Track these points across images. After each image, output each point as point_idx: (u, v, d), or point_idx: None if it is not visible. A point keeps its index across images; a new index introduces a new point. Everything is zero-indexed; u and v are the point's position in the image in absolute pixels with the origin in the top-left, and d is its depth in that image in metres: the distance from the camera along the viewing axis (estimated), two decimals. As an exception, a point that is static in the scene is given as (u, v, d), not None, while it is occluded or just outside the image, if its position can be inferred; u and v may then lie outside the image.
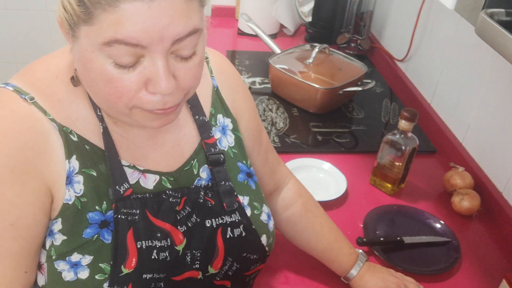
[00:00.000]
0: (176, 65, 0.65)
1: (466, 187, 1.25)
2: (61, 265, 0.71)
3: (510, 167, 1.20)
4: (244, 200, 0.85)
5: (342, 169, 1.31)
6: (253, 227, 0.84)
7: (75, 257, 0.71)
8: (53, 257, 0.71)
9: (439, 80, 1.53)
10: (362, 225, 1.16)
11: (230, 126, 0.87)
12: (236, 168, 0.86)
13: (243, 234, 0.83)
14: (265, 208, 0.88)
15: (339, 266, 0.98)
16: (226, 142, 0.86)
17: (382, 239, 1.11)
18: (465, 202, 1.21)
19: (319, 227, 0.99)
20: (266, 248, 0.87)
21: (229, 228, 0.81)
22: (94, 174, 0.73)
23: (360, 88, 1.56)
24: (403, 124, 1.19)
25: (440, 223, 1.18)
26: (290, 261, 1.05)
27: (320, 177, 1.30)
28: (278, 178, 1.00)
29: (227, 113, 0.87)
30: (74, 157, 0.71)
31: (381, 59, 1.91)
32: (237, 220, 0.82)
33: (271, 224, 0.89)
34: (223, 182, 0.82)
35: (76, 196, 0.71)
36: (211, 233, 0.80)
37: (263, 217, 0.87)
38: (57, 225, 0.71)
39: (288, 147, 1.40)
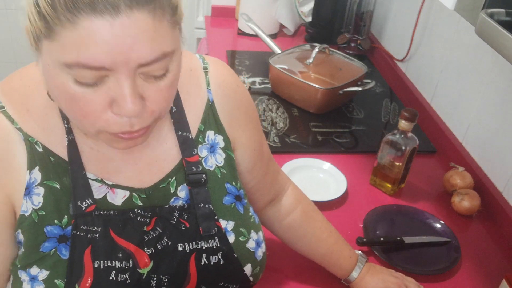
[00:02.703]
0: (145, 85, 0.60)
1: (466, 187, 1.25)
2: (23, 275, 0.70)
3: (510, 167, 1.20)
4: (228, 225, 0.78)
5: (342, 169, 1.31)
6: (235, 255, 0.78)
7: (34, 270, 0.69)
8: (18, 266, 0.70)
9: (439, 80, 1.53)
10: (362, 225, 1.16)
11: (222, 144, 0.81)
12: (223, 189, 0.80)
13: (221, 262, 0.77)
14: (254, 235, 0.82)
15: (339, 269, 0.98)
16: (213, 161, 0.80)
17: (382, 239, 1.11)
18: (465, 202, 1.21)
19: (319, 232, 0.98)
20: (251, 278, 0.82)
21: (204, 254, 0.76)
22: (57, 186, 0.70)
23: (360, 88, 1.56)
24: (403, 124, 1.19)
25: (440, 223, 1.18)
26: (290, 263, 1.05)
27: (320, 177, 1.30)
28: (278, 186, 0.98)
29: (220, 130, 0.81)
30: (36, 168, 0.69)
31: (381, 59, 1.91)
32: (214, 247, 0.76)
33: (259, 253, 0.82)
34: (202, 205, 0.77)
35: (33, 209, 0.69)
36: (183, 258, 0.75)
37: (250, 244, 0.81)
38: (20, 236, 0.70)
39: (288, 147, 1.40)
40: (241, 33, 2.03)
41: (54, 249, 0.70)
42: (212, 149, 0.80)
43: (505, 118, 1.22)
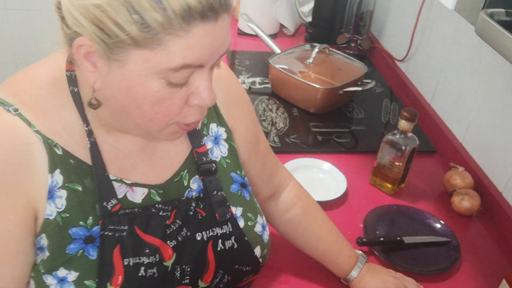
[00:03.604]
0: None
1: (466, 187, 1.25)
2: (49, 279, 0.69)
3: (510, 167, 1.20)
4: (237, 211, 0.83)
5: (342, 169, 1.31)
6: (246, 238, 0.83)
7: (62, 272, 0.69)
8: (42, 271, 0.70)
9: (439, 80, 1.53)
10: (362, 225, 1.16)
11: (224, 135, 0.85)
12: (229, 178, 0.84)
13: (235, 246, 0.81)
14: (260, 219, 0.87)
15: (339, 268, 0.98)
16: (218, 152, 0.84)
17: (382, 239, 1.11)
18: (465, 202, 1.21)
19: (319, 230, 0.99)
20: (260, 260, 0.86)
21: (220, 240, 0.80)
22: (80, 188, 0.70)
23: (360, 88, 1.56)
24: (403, 124, 1.19)
25: (440, 223, 1.18)
26: (290, 261, 1.05)
27: (320, 177, 1.30)
28: (277, 182, 0.99)
29: (221, 122, 0.85)
30: (57, 171, 0.69)
31: (381, 59, 1.91)
32: (228, 232, 0.81)
33: (265, 235, 0.87)
34: (215, 192, 0.81)
35: (57, 212, 0.69)
36: (202, 246, 0.78)
37: (257, 228, 0.85)
38: (44, 241, 0.69)
39: (288, 147, 1.40)
40: (241, 33, 2.03)
41: (81, 250, 0.70)
42: (216, 140, 0.84)
43: (505, 118, 1.22)
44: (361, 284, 0.96)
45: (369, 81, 1.59)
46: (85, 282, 0.70)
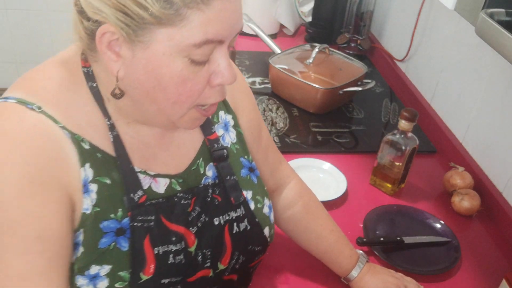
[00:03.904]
0: None
1: (466, 187, 1.25)
2: (80, 281, 0.70)
3: (510, 167, 1.20)
4: (247, 194, 0.86)
5: (342, 169, 1.31)
6: (257, 220, 0.86)
7: (94, 269, 0.70)
8: (75, 271, 0.69)
9: (439, 80, 1.53)
10: (362, 225, 1.16)
11: (232, 122, 0.88)
12: (239, 163, 0.87)
13: (248, 227, 0.84)
14: (267, 201, 0.90)
15: (339, 267, 0.98)
16: (228, 138, 0.86)
17: (382, 239, 1.11)
18: (465, 202, 1.21)
19: (320, 229, 0.99)
20: (268, 239, 0.89)
21: (235, 223, 0.83)
22: (108, 182, 0.71)
23: (360, 88, 1.56)
24: (403, 124, 1.19)
25: (440, 223, 1.18)
26: (290, 261, 1.05)
27: (320, 177, 1.30)
28: (279, 178, 1.00)
29: (228, 110, 0.88)
30: (87, 165, 0.69)
31: (381, 59, 1.91)
32: (241, 215, 0.84)
33: (272, 216, 0.91)
34: (228, 177, 0.83)
35: (91, 205, 0.69)
36: (219, 231, 0.81)
37: (265, 209, 0.88)
38: (81, 236, 0.69)
39: (288, 147, 1.40)
40: (241, 33, 2.02)
41: (113, 243, 0.71)
42: (225, 127, 0.87)
43: (505, 118, 1.22)
44: (361, 284, 0.97)
45: (369, 81, 1.59)
46: (119, 273, 0.71)
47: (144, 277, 0.72)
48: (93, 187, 0.70)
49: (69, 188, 0.67)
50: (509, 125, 1.20)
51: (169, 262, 0.75)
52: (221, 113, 0.87)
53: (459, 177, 1.26)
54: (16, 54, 2.61)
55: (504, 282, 0.92)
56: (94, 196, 0.70)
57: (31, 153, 0.64)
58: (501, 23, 0.74)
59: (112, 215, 0.71)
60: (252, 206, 0.86)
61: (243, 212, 0.84)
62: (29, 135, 0.64)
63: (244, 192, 0.85)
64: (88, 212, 0.69)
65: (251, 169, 0.89)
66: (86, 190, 0.69)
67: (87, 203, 0.69)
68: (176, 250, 0.76)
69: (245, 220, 0.84)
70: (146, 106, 0.69)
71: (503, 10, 0.77)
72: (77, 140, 0.69)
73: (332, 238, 0.99)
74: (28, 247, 0.64)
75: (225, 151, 0.84)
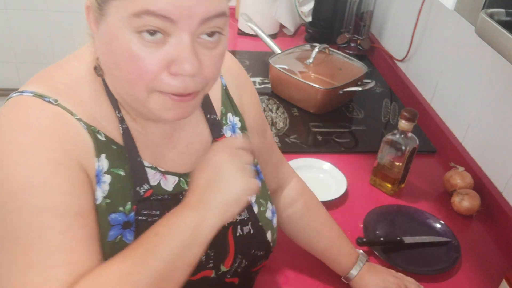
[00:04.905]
0: (201, 51, 0.65)
1: (466, 187, 1.25)
2: None
3: (510, 167, 1.20)
4: (251, 197, 0.85)
5: (342, 169, 1.31)
6: (260, 224, 0.85)
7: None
8: None
9: (439, 80, 1.53)
10: (362, 225, 1.16)
11: (239, 124, 0.88)
12: None
13: (251, 231, 0.84)
14: (270, 205, 0.89)
15: (339, 266, 0.98)
16: None
17: (382, 239, 1.11)
18: (465, 202, 1.21)
19: (319, 227, 0.99)
20: (271, 244, 0.88)
21: (239, 226, 0.83)
22: (122, 173, 0.72)
23: (360, 88, 1.56)
24: (403, 124, 1.19)
25: (440, 223, 1.18)
26: (290, 261, 1.05)
27: (320, 177, 1.30)
28: (280, 177, 1.01)
29: (236, 112, 0.88)
30: (103, 155, 0.70)
31: (381, 59, 1.91)
32: (245, 218, 0.83)
33: (275, 220, 0.90)
34: None
35: (102, 197, 0.70)
36: (223, 232, 0.80)
37: (268, 214, 0.88)
38: None
39: (288, 147, 1.40)
40: (241, 33, 2.03)
41: (119, 236, 0.71)
42: (233, 129, 0.87)
43: (505, 118, 1.22)
44: (361, 283, 0.97)
45: (369, 81, 1.59)
46: None
47: None
48: (107, 178, 0.70)
49: (91, 174, 0.69)
50: (509, 125, 1.20)
51: None
52: (229, 115, 0.86)
53: (459, 177, 1.26)
54: (16, 54, 2.61)
55: (504, 282, 0.92)
56: (106, 187, 0.70)
57: (55, 140, 0.65)
58: (501, 23, 0.74)
59: (120, 208, 0.71)
60: (256, 209, 0.85)
61: (247, 216, 0.84)
62: (51, 124, 0.66)
63: None
64: (98, 202, 0.69)
65: (256, 172, 0.88)
66: (98, 180, 0.70)
67: (98, 194, 0.69)
68: None
69: (249, 224, 0.84)
70: (118, 89, 0.70)
71: (503, 10, 0.77)
72: (93, 131, 0.70)
73: (332, 236, 0.99)
74: (70, 223, 0.64)
75: None
